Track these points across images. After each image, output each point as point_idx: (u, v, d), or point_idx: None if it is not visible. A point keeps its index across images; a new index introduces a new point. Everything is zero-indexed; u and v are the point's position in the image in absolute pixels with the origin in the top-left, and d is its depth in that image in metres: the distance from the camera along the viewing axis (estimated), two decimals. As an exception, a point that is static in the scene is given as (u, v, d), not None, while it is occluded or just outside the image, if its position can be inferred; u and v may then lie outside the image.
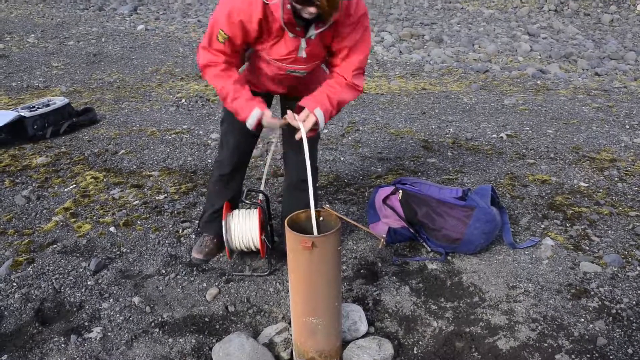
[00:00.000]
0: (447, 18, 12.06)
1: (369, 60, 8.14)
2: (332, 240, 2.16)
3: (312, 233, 2.29)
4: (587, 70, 8.01)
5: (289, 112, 2.43)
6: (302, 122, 2.38)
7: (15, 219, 3.56)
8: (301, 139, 2.34)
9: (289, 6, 2.22)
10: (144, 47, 8.85)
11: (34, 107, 4.97)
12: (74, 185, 3.98)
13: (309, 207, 2.29)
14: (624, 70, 7.94)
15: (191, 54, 8.36)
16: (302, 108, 2.44)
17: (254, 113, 2.47)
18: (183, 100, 6.05)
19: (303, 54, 2.44)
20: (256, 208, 2.83)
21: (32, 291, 2.81)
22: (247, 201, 2.80)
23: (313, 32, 2.35)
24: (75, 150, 4.65)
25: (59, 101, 5.13)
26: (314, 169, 2.98)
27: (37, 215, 3.60)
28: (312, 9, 2.15)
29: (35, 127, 4.84)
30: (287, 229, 2.18)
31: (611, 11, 12.18)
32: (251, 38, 2.41)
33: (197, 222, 3.37)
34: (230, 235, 2.78)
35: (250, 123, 2.50)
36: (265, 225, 2.85)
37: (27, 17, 11.53)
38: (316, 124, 2.42)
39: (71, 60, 7.96)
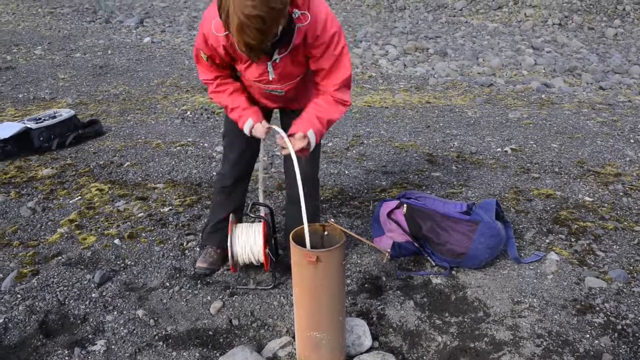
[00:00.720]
0: (452, 32, 12.11)
1: (373, 74, 8.18)
2: (337, 255, 2.16)
3: (317, 247, 2.30)
4: (592, 84, 8.01)
5: (277, 136, 2.45)
6: (293, 143, 2.41)
7: (21, 230, 3.58)
8: (296, 153, 2.38)
9: None
10: (149, 60, 8.90)
11: (40, 118, 5.00)
12: (79, 197, 4.00)
13: (310, 220, 2.30)
14: (629, 84, 7.94)
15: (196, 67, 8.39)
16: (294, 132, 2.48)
17: (247, 124, 2.60)
18: (188, 113, 6.08)
19: (272, 76, 2.48)
20: (261, 221, 2.83)
21: (37, 303, 2.81)
22: (251, 215, 2.80)
23: (276, 56, 2.39)
24: (80, 162, 4.67)
25: (65, 113, 5.17)
26: (315, 182, 2.99)
27: (42, 227, 3.61)
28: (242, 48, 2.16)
29: (41, 138, 4.87)
30: (291, 243, 2.19)
31: (615, 25, 12.20)
32: (227, 60, 2.50)
33: (202, 228, 3.37)
34: (234, 248, 2.78)
35: (246, 131, 2.63)
36: (270, 238, 2.85)
37: (35, 29, 11.62)
38: (308, 144, 2.46)
39: (77, 72, 8.02)
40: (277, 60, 2.41)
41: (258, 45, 2.11)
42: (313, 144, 2.49)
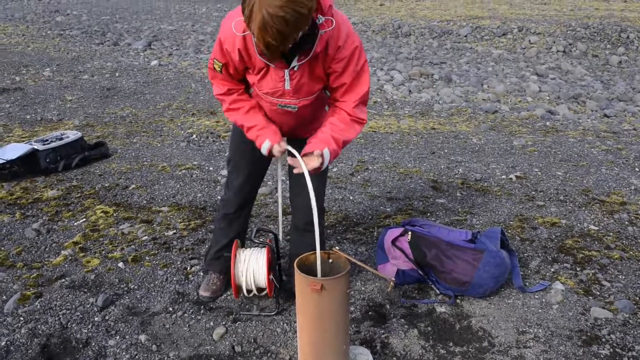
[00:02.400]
0: (456, 58, 12.19)
1: (378, 99, 8.22)
2: (341, 283, 2.16)
3: (322, 275, 2.29)
4: (596, 111, 8.03)
5: (289, 157, 2.43)
6: (307, 162, 2.38)
7: (25, 252, 3.58)
8: (304, 177, 2.35)
9: None
10: (156, 82, 8.98)
11: (47, 140, 5.03)
12: (84, 220, 4.01)
13: (315, 248, 2.29)
14: (633, 112, 7.95)
15: (203, 90, 8.47)
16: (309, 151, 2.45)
17: (264, 145, 2.55)
18: (194, 136, 6.11)
19: (288, 86, 2.42)
20: (264, 247, 2.83)
21: (39, 326, 2.80)
22: (255, 240, 2.80)
23: (296, 63, 2.33)
24: (86, 184, 4.68)
25: (72, 135, 5.20)
26: (321, 210, 2.98)
27: (47, 249, 3.61)
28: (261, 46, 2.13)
29: (47, 160, 4.90)
30: (296, 271, 2.18)
31: (619, 53, 12.27)
32: (240, 68, 2.46)
33: (204, 254, 3.37)
34: (237, 274, 2.77)
35: (264, 152, 2.59)
36: (274, 264, 2.84)
37: (44, 50, 11.76)
38: (321, 163, 2.42)
39: (85, 94, 8.09)
40: (296, 68, 2.35)
41: (277, 46, 2.07)
42: (326, 164, 2.45)
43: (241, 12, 2.16)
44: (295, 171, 2.41)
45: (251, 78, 2.51)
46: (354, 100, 2.49)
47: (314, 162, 2.39)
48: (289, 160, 2.43)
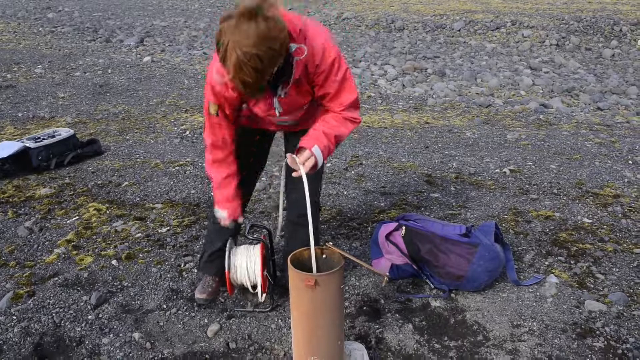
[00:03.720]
0: (450, 52, 12.19)
1: (372, 94, 8.21)
2: (335, 279, 2.15)
3: (316, 271, 2.28)
4: (589, 104, 8.05)
5: (288, 155, 2.43)
6: (302, 164, 2.37)
7: (17, 250, 3.56)
8: (300, 177, 2.35)
9: None
10: (149, 79, 8.94)
11: (39, 138, 5.00)
12: (77, 217, 3.99)
13: (309, 243, 2.28)
14: (626, 105, 7.97)
15: (196, 86, 8.44)
16: (301, 148, 2.45)
17: (221, 214, 2.71)
18: (187, 132, 6.09)
19: (279, 112, 2.48)
20: (258, 243, 2.82)
21: (32, 325, 2.79)
22: (249, 236, 2.79)
23: (281, 91, 2.39)
24: (79, 181, 4.66)
25: (64, 132, 5.17)
26: (316, 205, 2.98)
27: (39, 247, 3.59)
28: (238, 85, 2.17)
29: (39, 158, 4.87)
30: (289, 266, 2.18)
31: (612, 46, 12.30)
32: (236, 103, 2.50)
33: (199, 257, 3.36)
34: (231, 270, 2.76)
35: (217, 215, 2.74)
36: (268, 260, 2.83)
37: (35, 47, 11.69)
38: (315, 162, 2.41)
39: (77, 91, 8.04)
40: (283, 95, 2.41)
41: (253, 83, 2.11)
42: (320, 161, 2.43)
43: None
44: (294, 174, 2.40)
45: (248, 103, 2.56)
46: (342, 106, 2.51)
47: (309, 162, 2.38)
48: (289, 160, 2.42)
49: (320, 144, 2.42)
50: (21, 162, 4.81)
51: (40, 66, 9.72)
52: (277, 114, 2.49)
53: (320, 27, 2.44)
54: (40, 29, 14.28)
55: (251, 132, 2.81)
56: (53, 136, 5.06)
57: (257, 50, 2.01)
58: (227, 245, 2.76)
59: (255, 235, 2.87)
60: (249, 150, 2.85)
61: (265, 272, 2.75)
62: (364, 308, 2.93)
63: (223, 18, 2.06)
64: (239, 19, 2.01)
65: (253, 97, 2.34)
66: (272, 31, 2.05)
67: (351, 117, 2.54)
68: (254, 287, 2.81)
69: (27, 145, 4.84)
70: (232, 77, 2.09)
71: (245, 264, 2.74)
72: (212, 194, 2.76)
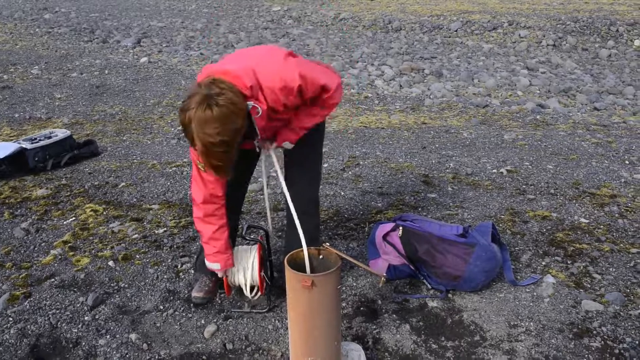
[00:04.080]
0: (447, 52, 12.20)
1: (369, 94, 8.22)
2: (332, 279, 2.15)
3: (312, 271, 2.28)
4: (586, 104, 8.06)
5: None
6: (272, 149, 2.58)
7: (14, 251, 3.55)
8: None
9: None
10: (146, 80, 8.93)
11: (35, 139, 4.99)
12: (74, 218, 3.98)
13: (310, 241, 2.29)
14: (623, 105, 7.99)
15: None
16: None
17: (213, 266, 2.72)
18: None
19: (260, 148, 2.64)
20: (255, 244, 2.81)
21: (29, 326, 2.78)
22: (246, 237, 2.79)
23: (257, 144, 2.58)
24: (75, 182, 4.65)
25: (60, 133, 5.16)
26: (316, 202, 2.98)
27: (36, 249, 3.58)
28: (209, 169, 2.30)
29: (36, 159, 4.86)
30: (286, 267, 2.17)
31: (609, 46, 12.32)
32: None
33: (195, 257, 3.36)
34: (229, 271, 2.76)
35: (208, 267, 2.76)
36: (265, 261, 2.83)
37: (32, 48, 11.67)
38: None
39: (74, 92, 8.03)
40: (257, 143, 2.56)
41: (224, 164, 2.22)
42: (287, 145, 2.64)
43: None
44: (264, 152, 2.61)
45: None
46: (325, 99, 2.60)
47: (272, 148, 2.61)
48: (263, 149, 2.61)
49: (291, 140, 2.65)
50: (18, 163, 4.80)
51: (36, 67, 9.70)
52: (257, 149, 2.63)
53: (272, 62, 2.44)
54: (37, 29, 14.26)
55: None
56: (50, 137, 5.05)
57: (221, 137, 2.11)
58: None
59: (252, 236, 2.86)
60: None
61: (262, 273, 2.75)
62: (361, 308, 2.93)
63: (181, 109, 2.15)
64: (196, 110, 2.09)
65: (226, 175, 2.38)
66: (231, 112, 2.13)
67: (331, 104, 2.64)
68: (252, 288, 2.81)
69: (24, 146, 4.83)
70: (203, 161, 2.21)
71: (243, 265, 2.74)
72: (201, 244, 2.76)
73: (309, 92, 2.48)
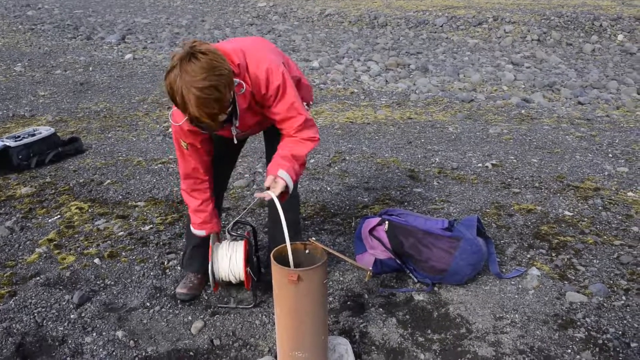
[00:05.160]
0: (433, 47, 12.23)
1: (355, 90, 8.22)
2: (318, 274, 2.15)
3: (299, 266, 2.29)
4: (570, 99, 8.12)
5: (256, 194, 2.48)
6: (272, 189, 2.40)
7: (-2, 250, 3.52)
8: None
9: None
10: (131, 76, 8.87)
11: (19, 136, 4.94)
12: (59, 216, 3.95)
13: (291, 237, 2.29)
14: (606, 99, 8.06)
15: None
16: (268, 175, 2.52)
17: (199, 232, 2.81)
18: (170, 130, 6.04)
19: (236, 137, 2.58)
20: (242, 240, 2.81)
21: (14, 325, 2.76)
22: (233, 233, 2.78)
23: (234, 129, 2.49)
24: (60, 180, 4.62)
25: (44, 131, 5.12)
26: (295, 198, 2.99)
27: (20, 247, 3.55)
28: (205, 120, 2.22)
29: (20, 156, 4.81)
30: (272, 262, 2.18)
31: (593, 41, 12.42)
32: (205, 137, 2.59)
33: (181, 255, 3.35)
34: (215, 267, 2.75)
35: (194, 233, 2.82)
36: (251, 257, 2.83)
37: (15, 45, 11.54)
38: (286, 186, 2.43)
39: (58, 89, 7.96)
40: (237, 125, 2.48)
41: (219, 113, 2.19)
42: (290, 184, 2.46)
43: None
44: (264, 195, 2.41)
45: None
46: (293, 127, 2.55)
47: (277, 184, 2.41)
48: (256, 194, 2.47)
49: (283, 167, 2.46)
50: (1, 161, 4.76)
51: (19, 64, 9.60)
52: (234, 137, 2.56)
53: (262, 50, 2.50)
54: (19, 26, 14.10)
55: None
56: (33, 135, 5.00)
57: (210, 82, 2.10)
58: (210, 241, 2.76)
59: (239, 232, 2.86)
60: (220, 150, 2.84)
61: (248, 269, 2.74)
62: (348, 303, 2.94)
63: (166, 73, 2.15)
64: (180, 65, 2.09)
65: (220, 127, 2.36)
66: (215, 60, 2.14)
67: (308, 138, 2.58)
68: (238, 283, 2.81)
69: (7, 144, 4.78)
70: (197, 115, 2.15)
71: (228, 260, 2.74)
72: (188, 213, 2.82)
73: (282, 103, 2.49)
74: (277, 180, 2.40)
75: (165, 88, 2.20)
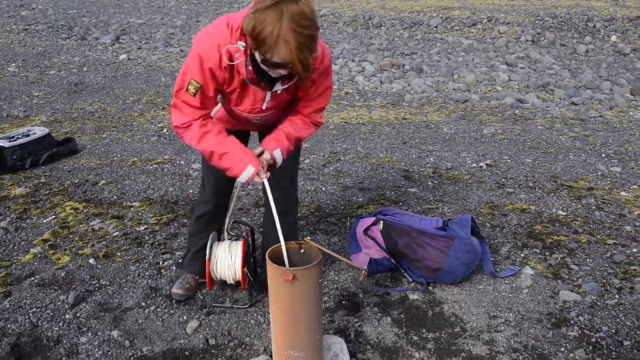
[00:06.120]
0: (427, 48, 12.26)
1: (350, 90, 8.24)
2: (313, 273, 2.16)
3: (294, 265, 2.29)
4: (564, 99, 8.17)
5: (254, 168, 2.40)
6: (265, 173, 2.41)
7: (-7, 251, 3.52)
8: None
9: (250, 67, 2.26)
10: (125, 77, 8.86)
11: (13, 137, 4.93)
12: (53, 217, 3.94)
13: (287, 237, 2.30)
14: (600, 100, 8.11)
15: (173, 84, 8.36)
16: (263, 150, 2.48)
17: (247, 172, 2.39)
18: (165, 130, 6.05)
19: (266, 106, 2.45)
20: (240, 240, 2.81)
21: (9, 325, 2.76)
22: (231, 233, 2.79)
23: (279, 87, 2.36)
24: (55, 180, 4.61)
25: (39, 131, 5.11)
26: (295, 199, 3.00)
27: (15, 247, 3.55)
28: (282, 71, 2.17)
29: (14, 157, 4.80)
30: (268, 261, 2.18)
31: (586, 42, 12.48)
32: (221, 86, 2.39)
33: (179, 256, 3.36)
34: (212, 262, 2.75)
35: (242, 180, 2.43)
36: (249, 257, 2.83)
37: (8, 46, 11.50)
38: (274, 162, 2.46)
39: (52, 90, 7.94)
40: (279, 91, 2.38)
41: (309, 64, 2.12)
42: (279, 162, 2.49)
43: (231, 36, 2.21)
44: (257, 182, 2.42)
45: (229, 95, 2.46)
46: (311, 110, 2.55)
47: (266, 160, 2.43)
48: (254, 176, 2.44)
49: (282, 147, 2.47)
50: (-5, 162, 4.75)
51: (13, 64, 9.57)
52: (264, 107, 2.44)
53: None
54: (13, 26, 14.05)
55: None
56: (28, 135, 4.99)
57: (312, 31, 2.05)
58: (210, 239, 2.75)
59: (236, 232, 2.86)
60: None
61: (245, 269, 2.75)
62: (343, 302, 2.95)
63: (262, 8, 2.02)
64: (285, 4, 2.00)
65: (307, 78, 2.24)
66: (314, 10, 2.08)
67: (316, 121, 2.60)
68: (235, 283, 2.82)
69: (1, 144, 4.77)
70: (290, 59, 2.05)
71: (227, 258, 2.73)
72: (221, 165, 2.44)
73: (324, 83, 2.48)
74: (269, 158, 2.43)
75: (249, 22, 2.06)
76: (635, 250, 3.43)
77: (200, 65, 2.28)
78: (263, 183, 2.42)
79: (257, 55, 2.16)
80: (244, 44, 2.21)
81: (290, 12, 2.00)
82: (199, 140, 2.40)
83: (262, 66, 2.19)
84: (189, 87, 2.32)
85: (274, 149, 2.45)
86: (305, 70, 2.11)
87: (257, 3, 2.06)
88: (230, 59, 2.25)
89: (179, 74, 2.36)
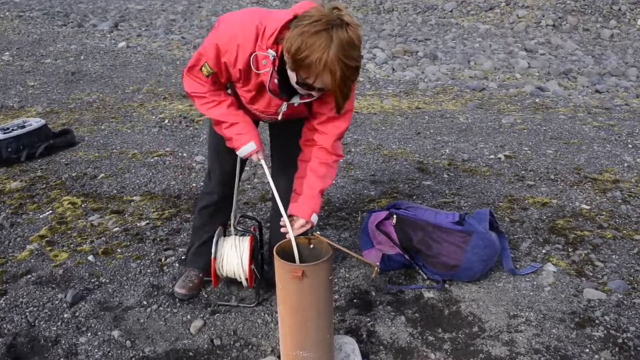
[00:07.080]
0: (442, 34, 12.21)
1: (360, 78, 8.21)
2: (323, 270, 2.16)
3: (303, 261, 2.29)
4: (587, 87, 8.11)
5: (282, 222, 2.38)
6: (294, 226, 2.38)
7: (-13, 247, 3.54)
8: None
9: (276, 80, 2.25)
10: (125, 66, 8.88)
11: (8, 129, 4.96)
12: (50, 212, 3.96)
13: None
14: (626, 87, 8.04)
15: (175, 72, 8.40)
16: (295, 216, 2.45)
17: (248, 147, 2.45)
18: (166, 121, 6.06)
19: (280, 117, 2.45)
20: (247, 235, 2.80)
21: (4, 325, 2.78)
22: (239, 228, 2.78)
23: (297, 100, 2.36)
24: (51, 174, 4.63)
25: (35, 122, 5.13)
26: None
27: (11, 244, 3.57)
28: (315, 93, 2.17)
29: (9, 150, 4.83)
30: (275, 257, 2.18)
31: (611, 26, 12.37)
32: (235, 81, 2.41)
33: (182, 252, 3.36)
34: (217, 259, 2.75)
35: (242, 154, 2.49)
36: (256, 254, 2.83)
37: (2, 33, 11.55)
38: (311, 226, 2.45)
39: (48, 79, 7.97)
40: (296, 104, 2.38)
41: (349, 94, 2.16)
42: (316, 221, 2.47)
43: (261, 41, 2.19)
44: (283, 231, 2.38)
45: (241, 91, 2.46)
46: (334, 134, 2.48)
47: (302, 229, 2.41)
48: (282, 229, 2.39)
49: (316, 209, 2.46)
50: (-11, 155, 4.77)
51: (7, 53, 9.61)
52: (279, 118, 2.45)
53: None
54: (6, 13, 14.10)
55: None
56: (23, 127, 5.01)
57: (357, 63, 2.06)
58: (216, 235, 2.75)
59: (242, 227, 2.85)
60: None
61: (252, 266, 2.74)
62: (355, 300, 2.95)
63: (311, 31, 2.01)
64: (335, 31, 2.00)
65: (340, 109, 2.28)
66: (361, 37, 2.08)
67: (338, 155, 2.55)
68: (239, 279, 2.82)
69: (-4, 136, 4.80)
70: (332, 90, 2.10)
71: (233, 255, 2.73)
72: (225, 134, 2.48)
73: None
74: (307, 224, 2.41)
75: (293, 41, 2.04)
76: (664, 245, 3.41)
77: (216, 55, 2.29)
78: (263, 168, 2.41)
79: (290, 73, 2.15)
80: (274, 53, 2.19)
81: (339, 39, 1.99)
82: (209, 108, 2.46)
83: (294, 85, 2.19)
84: (203, 68, 2.36)
85: (310, 215, 2.43)
86: (343, 100, 2.15)
87: (304, 23, 2.03)
88: (257, 66, 2.25)
89: (196, 51, 2.38)
